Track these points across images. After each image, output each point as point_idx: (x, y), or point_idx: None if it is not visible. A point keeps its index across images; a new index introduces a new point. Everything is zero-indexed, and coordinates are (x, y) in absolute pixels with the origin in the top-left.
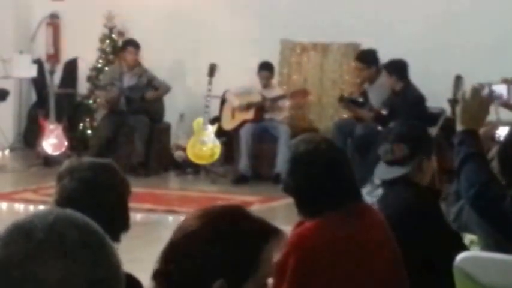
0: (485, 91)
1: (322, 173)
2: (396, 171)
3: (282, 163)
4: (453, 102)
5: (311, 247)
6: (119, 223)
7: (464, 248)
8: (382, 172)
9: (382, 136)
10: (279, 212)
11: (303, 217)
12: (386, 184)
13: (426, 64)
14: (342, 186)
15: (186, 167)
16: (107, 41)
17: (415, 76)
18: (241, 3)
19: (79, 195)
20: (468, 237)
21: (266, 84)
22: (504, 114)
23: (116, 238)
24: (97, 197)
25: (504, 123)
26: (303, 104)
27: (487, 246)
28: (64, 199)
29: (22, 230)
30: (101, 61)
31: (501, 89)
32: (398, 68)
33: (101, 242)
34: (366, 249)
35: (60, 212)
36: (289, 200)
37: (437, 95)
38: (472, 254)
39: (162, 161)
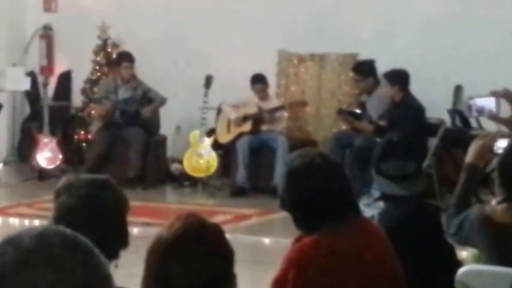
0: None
1: (318, 188)
2: (409, 188)
3: (279, 175)
4: (453, 112)
5: (310, 263)
6: (117, 240)
7: (458, 262)
8: (390, 187)
9: (384, 149)
10: (278, 224)
11: (302, 232)
12: (390, 198)
13: (425, 74)
14: (339, 200)
15: (183, 180)
16: (101, 53)
17: (415, 86)
18: (238, 13)
19: (77, 212)
20: (470, 251)
21: (263, 97)
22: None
23: (115, 255)
24: (95, 214)
25: (504, 135)
26: (300, 115)
27: (489, 260)
28: (62, 216)
29: (12, 242)
30: (95, 73)
31: (489, 102)
32: (401, 78)
33: (89, 251)
34: (365, 264)
35: (48, 226)
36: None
37: (437, 106)
38: (474, 268)
39: (158, 174)
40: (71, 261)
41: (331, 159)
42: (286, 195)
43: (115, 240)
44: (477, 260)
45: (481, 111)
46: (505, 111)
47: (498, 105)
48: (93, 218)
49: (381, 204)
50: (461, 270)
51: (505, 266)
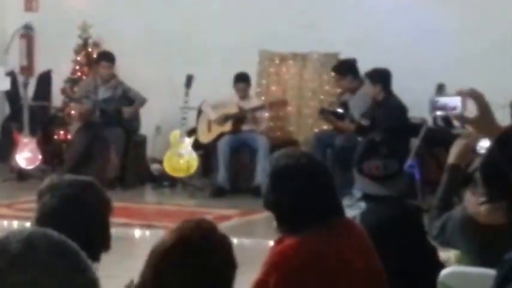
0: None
1: (303, 188)
2: (390, 188)
3: (261, 175)
4: None
5: (292, 266)
6: (99, 242)
7: (440, 263)
8: (371, 187)
9: (366, 149)
10: (259, 225)
11: (283, 233)
12: (372, 198)
13: (407, 74)
14: (323, 202)
15: (163, 180)
16: (82, 53)
17: (396, 86)
18: (219, 13)
19: (60, 213)
20: (452, 252)
21: (243, 96)
22: None
23: (96, 257)
24: (78, 215)
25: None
26: (281, 115)
27: (472, 261)
28: (45, 217)
29: None
30: (76, 73)
31: (455, 102)
32: (383, 77)
33: (77, 255)
34: (349, 267)
35: (34, 229)
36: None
37: (419, 105)
38: (457, 269)
39: (138, 174)
40: (58, 265)
41: (316, 160)
42: (271, 195)
43: (97, 243)
44: (459, 261)
45: (443, 109)
46: (472, 111)
47: (464, 104)
48: (76, 220)
49: (363, 204)
50: (443, 272)
51: (488, 267)
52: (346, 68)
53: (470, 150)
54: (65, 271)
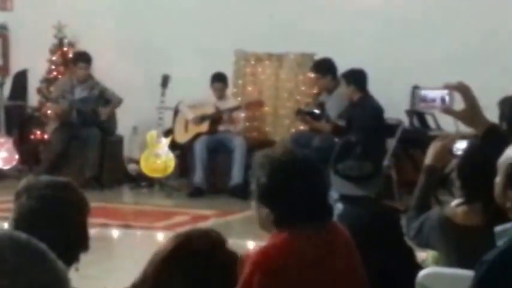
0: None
1: (303, 187)
2: (365, 189)
3: (238, 175)
4: (411, 113)
5: (275, 267)
6: (78, 242)
7: (417, 264)
8: (347, 188)
9: (341, 149)
10: (236, 226)
11: (278, 228)
12: (348, 199)
13: (383, 75)
14: (316, 201)
15: (140, 181)
16: (58, 52)
17: (372, 87)
18: (194, 13)
19: (37, 214)
20: (429, 253)
21: (220, 96)
22: (463, 126)
23: (75, 258)
24: (56, 216)
25: (463, 137)
26: (258, 115)
27: (449, 262)
28: (22, 218)
29: None
30: (52, 73)
31: (440, 95)
32: (357, 78)
33: (42, 254)
34: (332, 270)
35: (0, 229)
36: (246, 214)
37: (394, 106)
38: (434, 270)
39: (115, 175)
40: (22, 264)
41: (313, 160)
42: (267, 189)
43: (76, 243)
44: (437, 262)
45: (426, 101)
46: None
47: (452, 98)
48: (54, 221)
49: (340, 206)
50: (421, 273)
51: (465, 268)
52: (327, 68)
53: (447, 152)
54: (31, 272)
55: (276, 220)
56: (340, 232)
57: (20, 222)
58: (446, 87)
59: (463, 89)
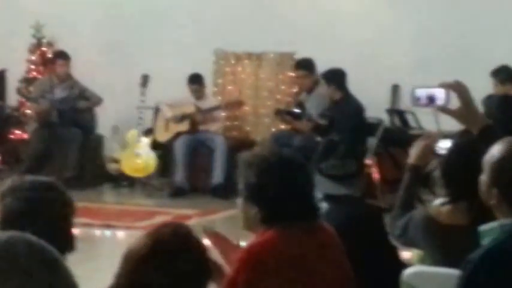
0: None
1: (288, 185)
2: (349, 188)
3: (219, 175)
4: (391, 112)
5: (262, 265)
6: (63, 243)
7: (402, 263)
8: (331, 187)
9: (325, 149)
10: (218, 225)
11: (265, 226)
12: (332, 199)
13: (362, 74)
14: (304, 200)
15: (121, 180)
16: (37, 52)
17: (352, 86)
18: (174, 12)
19: (22, 216)
20: (414, 252)
21: (198, 97)
22: (444, 125)
23: None
24: (41, 217)
25: (446, 136)
26: (238, 115)
27: (434, 261)
28: (7, 219)
29: None
30: (31, 72)
31: (439, 93)
32: (337, 77)
33: (55, 260)
34: (318, 270)
35: (13, 233)
36: (227, 213)
37: (375, 105)
38: (420, 269)
39: (96, 174)
40: (37, 270)
41: (301, 160)
42: (256, 188)
43: (61, 244)
44: (421, 261)
45: (432, 101)
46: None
47: (448, 97)
48: (39, 222)
49: (324, 205)
50: (406, 271)
51: (450, 267)
52: (311, 66)
53: (430, 151)
54: (44, 276)
55: (264, 218)
56: (326, 231)
57: (5, 225)
58: (442, 86)
59: (458, 88)
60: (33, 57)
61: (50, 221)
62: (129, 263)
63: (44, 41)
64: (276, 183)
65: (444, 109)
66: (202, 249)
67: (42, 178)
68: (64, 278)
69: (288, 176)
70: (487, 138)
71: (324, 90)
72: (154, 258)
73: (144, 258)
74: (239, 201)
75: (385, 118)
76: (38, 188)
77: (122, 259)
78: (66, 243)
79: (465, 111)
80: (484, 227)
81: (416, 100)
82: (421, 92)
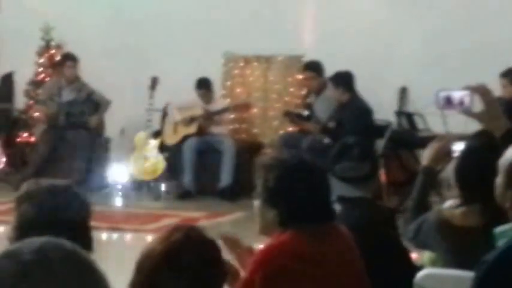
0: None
1: (307, 188)
2: (363, 190)
3: (227, 177)
4: (399, 114)
5: (278, 266)
6: (81, 246)
7: (414, 265)
8: (344, 189)
9: (338, 151)
10: (225, 227)
11: (282, 228)
12: (345, 201)
13: (371, 77)
14: (322, 202)
15: (129, 183)
16: (45, 55)
17: (361, 89)
18: (184, 15)
19: (40, 220)
20: (426, 254)
21: (206, 101)
22: (453, 127)
23: None
24: (58, 221)
25: (461, 138)
26: (246, 117)
27: (447, 263)
28: (24, 224)
29: (11, 255)
30: (39, 75)
31: (463, 96)
32: (345, 80)
33: (89, 266)
34: (334, 272)
35: (46, 238)
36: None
37: (383, 108)
38: (433, 272)
39: (103, 177)
40: (71, 276)
41: (316, 163)
42: (276, 191)
43: (80, 247)
44: (433, 263)
45: (461, 104)
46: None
47: (472, 100)
48: (56, 226)
49: (337, 207)
50: (419, 274)
51: (463, 269)
52: (320, 68)
53: (444, 153)
54: (77, 282)
55: (282, 220)
56: (342, 233)
57: (22, 229)
58: (467, 88)
59: (482, 91)
60: (42, 60)
61: (67, 224)
62: (143, 270)
63: (53, 43)
64: (295, 186)
65: (468, 112)
66: (216, 251)
67: (58, 182)
68: (98, 282)
69: (308, 179)
70: (510, 141)
71: (331, 92)
72: (168, 264)
73: (158, 265)
74: (256, 204)
75: (393, 120)
76: (54, 192)
77: (135, 267)
78: (84, 246)
79: (488, 114)
80: (499, 229)
81: (441, 103)
82: (446, 95)
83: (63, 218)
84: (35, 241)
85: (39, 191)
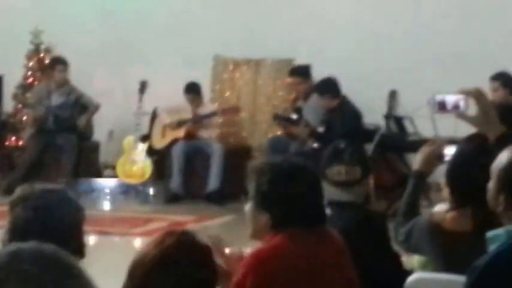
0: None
1: (300, 191)
2: (354, 194)
3: (214, 181)
4: (388, 117)
5: (269, 270)
6: (74, 250)
7: (405, 269)
8: (335, 194)
9: (330, 155)
10: (213, 231)
11: (274, 231)
12: (336, 205)
13: (360, 80)
14: (314, 206)
15: (117, 186)
16: (34, 58)
17: (349, 92)
18: (173, 18)
19: (33, 224)
20: (416, 258)
21: (195, 105)
22: (443, 130)
23: None
24: (51, 225)
25: (452, 142)
26: (235, 121)
27: (437, 267)
28: (18, 228)
29: None
30: (28, 79)
31: (458, 100)
32: (329, 87)
33: (67, 267)
34: (324, 276)
35: (24, 243)
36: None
37: (372, 111)
38: (423, 276)
39: (91, 181)
40: (45, 277)
41: (311, 166)
42: (269, 195)
43: (72, 252)
44: (424, 267)
45: (456, 108)
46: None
47: (467, 103)
48: (49, 230)
49: (327, 211)
50: (410, 278)
51: (453, 273)
52: (306, 72)
53: (436, 157)
54: (52, 283)
55: (274, 224)
56: (333, 237)
57: (15, 233)
58: (463, 92)
59: (477, 95)
60: (31, 64)
61: (59, 229)
62: (136, 275)
63: (42, 47)
64: (287, 190)
65: (462, 116)
66: (208, 255)
67: (52, 186)
68: (81, 284)
69: (300, 183)
70: (504, 145)
71: (316, 100)
72: (161, 269)
73: (150, 270)
74: (248, 208)
75: (383, 124)
76: (48, 196)
77: (127, 272)
78: (77, 251)
79: (483, 118)
80: (491, 233)
81: (435, 106)
82: (439, 98)
83: (56, 222)
84: (12, 246)
85: (33, 194)
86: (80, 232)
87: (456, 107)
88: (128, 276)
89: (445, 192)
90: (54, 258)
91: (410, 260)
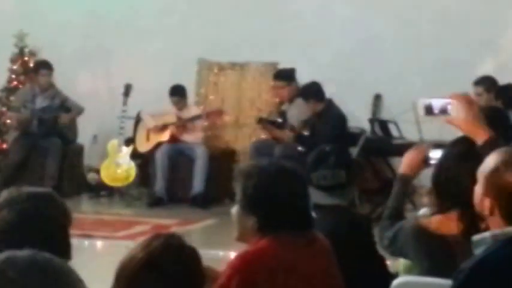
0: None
1: (285, 195)
2: (339, 198)
3: (198, 184)
4: (373, 121)
5: (254, 272)
6: (60, 253)
7: (390, 273)
8: (321, 197)
9: (315, 159)
10: (196, 235)
11: (260, 234)
12: (321, 208)
13: (345, 84)
14: (300, 209)
15: (100, 190)
16: (18, 61)
17: (334, 96)
18: (157, 22)
19: (19, 227)
20: (401, 262)
21: (180, 108)
22: (427, 134)
23: None
24: (38, 229)
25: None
26: (219, 124)
27: (423, 271)
28: (4, 231)
29: None
30: (12, 82)
31: (446, 104)
32: (313, 92)
33: (57, 272)
34: (310, 279)
35: (23, 251)
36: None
37: (357, 115)
38: (408, 279)
39: (74, 184)
40: (32, 283)
41: (298, 170)
42: (256, 197)
43: (58, 254)
44: (409, 271)
45: (444, 112)
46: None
47: (454, 108)
48: (35, 233)
49: (313, 215)
50: (395, 282)
51: (440, 277)
52: (290, 75)
53: (421, 161)
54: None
55: (260, 227)
56: (320, 240)
57: (2, 236)
58: (452, 97)
59: (466, 100)
60: (15, 67)
61: (46, 232)
62: (123, 278)
63: (27, 50)
64: (274, 193)
65: (451, 120)
66: (196, 258)
67: (39, 189)
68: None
69: (287, 186)
70: (491, 150)
71: (304, 108)
72: (148, 272)
73: (138, 273)
74: (235, 211)
75: (368, 128)
76: (34, 199)
77: (114, 275)
78: (63, 253)
79: (471, 122)
80: (476, 237)
81: (422, 110)
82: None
83: (43, 224)
84: (7, 252)
85: (20, 197)
86: (66, 235)
87: (443, 111)
88: (115, 278)
89: (428, 197)
90: (49, 266)
91: (396, 263)
